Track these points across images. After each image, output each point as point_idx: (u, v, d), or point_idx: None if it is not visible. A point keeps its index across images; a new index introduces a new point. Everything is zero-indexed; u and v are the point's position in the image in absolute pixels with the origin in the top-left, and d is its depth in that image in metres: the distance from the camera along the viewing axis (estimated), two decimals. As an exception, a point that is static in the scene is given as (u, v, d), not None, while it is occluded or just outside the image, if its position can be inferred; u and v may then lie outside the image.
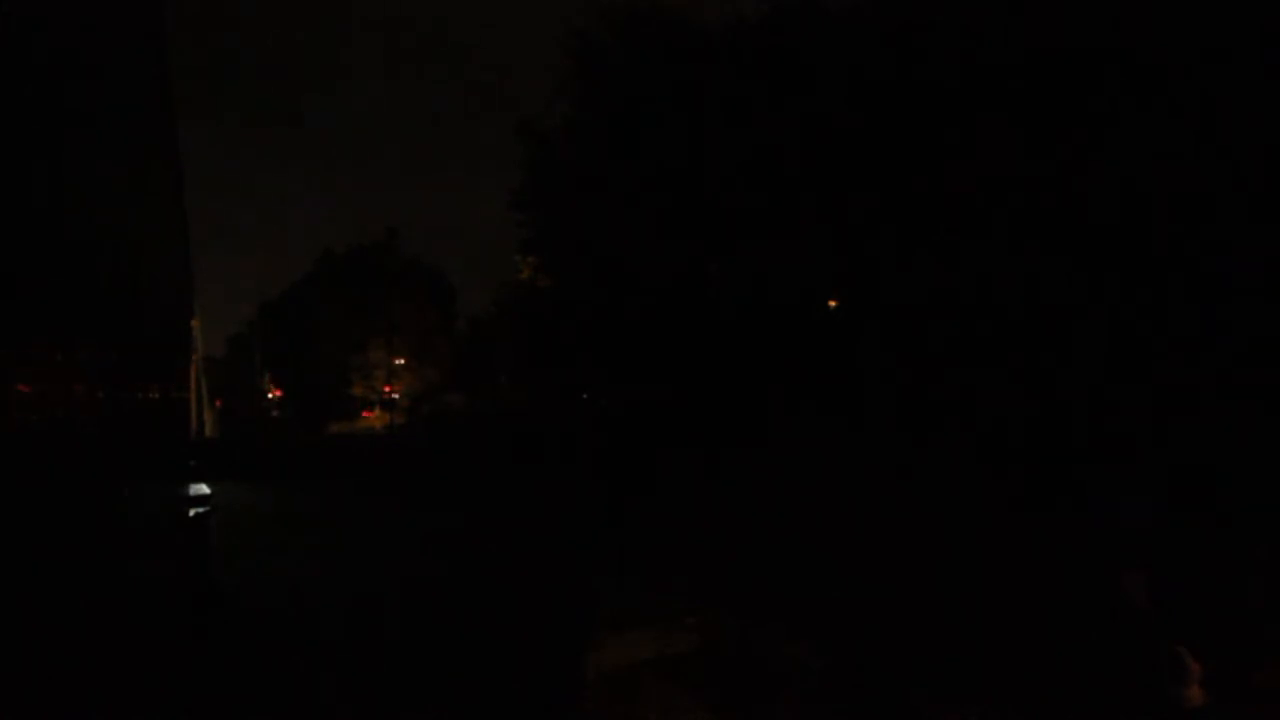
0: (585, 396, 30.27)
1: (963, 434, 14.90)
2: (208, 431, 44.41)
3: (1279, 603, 7.99)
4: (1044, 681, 7.52)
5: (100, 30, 7.12)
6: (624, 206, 22.60)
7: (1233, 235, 11.82)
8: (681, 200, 21.40)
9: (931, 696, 7.62)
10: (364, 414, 59.58)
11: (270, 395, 66.94)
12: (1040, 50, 14.26)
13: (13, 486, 4.16)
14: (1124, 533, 9.69)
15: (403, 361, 59.15)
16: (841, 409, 17.94)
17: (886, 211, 17.21)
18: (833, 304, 20.72)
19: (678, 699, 7.97)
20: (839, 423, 17.81)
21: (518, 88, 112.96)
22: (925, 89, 16.24)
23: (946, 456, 14.87)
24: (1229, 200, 11.78)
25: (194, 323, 29.36)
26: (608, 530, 16.59)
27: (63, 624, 5.10)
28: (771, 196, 19.65)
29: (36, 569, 4.60)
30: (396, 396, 57.83)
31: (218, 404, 51.65)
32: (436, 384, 57.10)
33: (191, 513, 13.73)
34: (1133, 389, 12.37)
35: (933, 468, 14.85)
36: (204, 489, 15.76)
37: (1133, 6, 13.09)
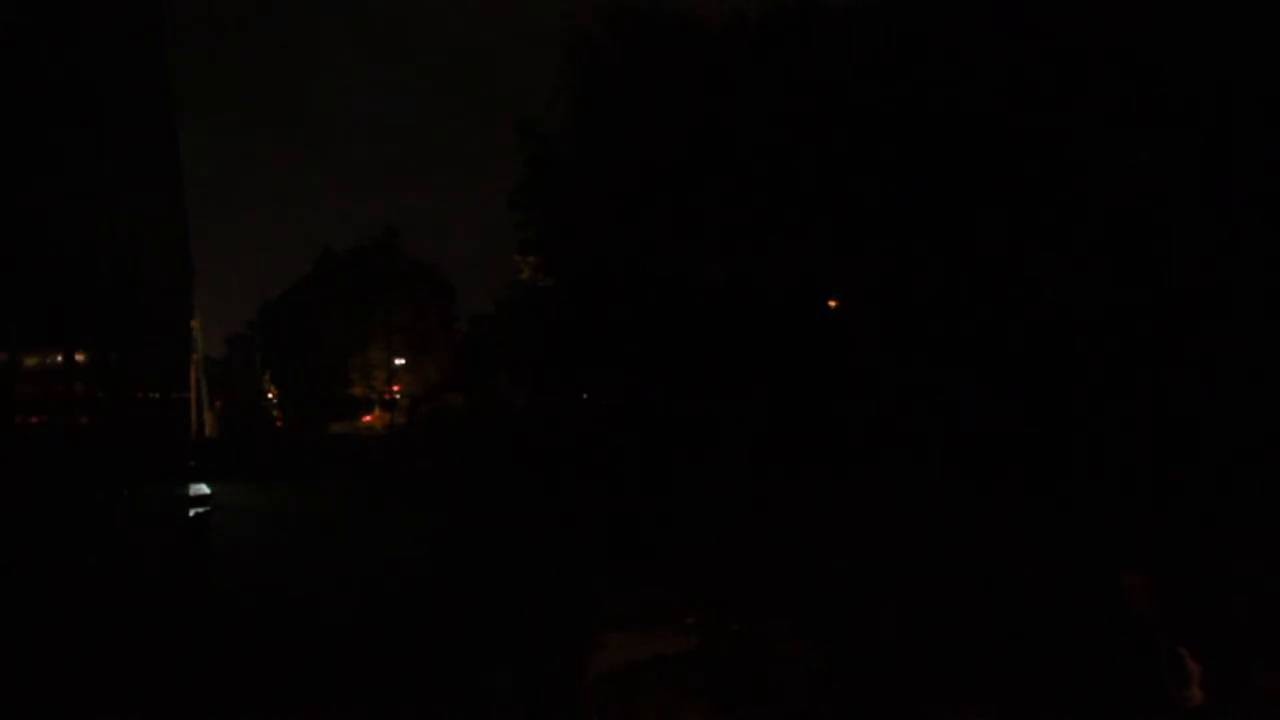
0: (585, 396, 30.27)
1: (959, 437, 14.90)
2: (208, 431, 44.41)
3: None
4: (1043, 682, 7.51)
5: (100, 30, 7.12)
6: (624, 206, 22.60)
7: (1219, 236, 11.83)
8: (682, 200, 21.39)
9: (931, 696, 7.62)
10: (364, 417, 59.54)
11: (270, 395, 66.92)
12: (1034, 52, 14.26)
13: (12, 487, 4.15)
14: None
15: (403, 361, 59.14)
16: (841, 408, 17.93)
17: (887, 211, 17.21)
18: (832, 304, 20.72)
19: (677, 699, 7.97)
20: (838, 422, 17.80)
21: (518, 87, 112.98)
22: (923, 89, 16.24)
23: (946, 459, 14.86)
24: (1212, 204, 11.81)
25: (194, 323, 29.40)
26: (608, 531, 16.58)
27: (62, 624, 5.10)
28: (772, 195, 19.64)
29: (36, 570, 4.60)
30: (397, 396, 57.82)
31: (218, 404, 51.64)
32: (436, 384, 57.08)
33: (191, 513, 13.75)
34: (1138, 397, 12.38)
35: (932, 469, 14.84)
36: (204, 489, 15.79)
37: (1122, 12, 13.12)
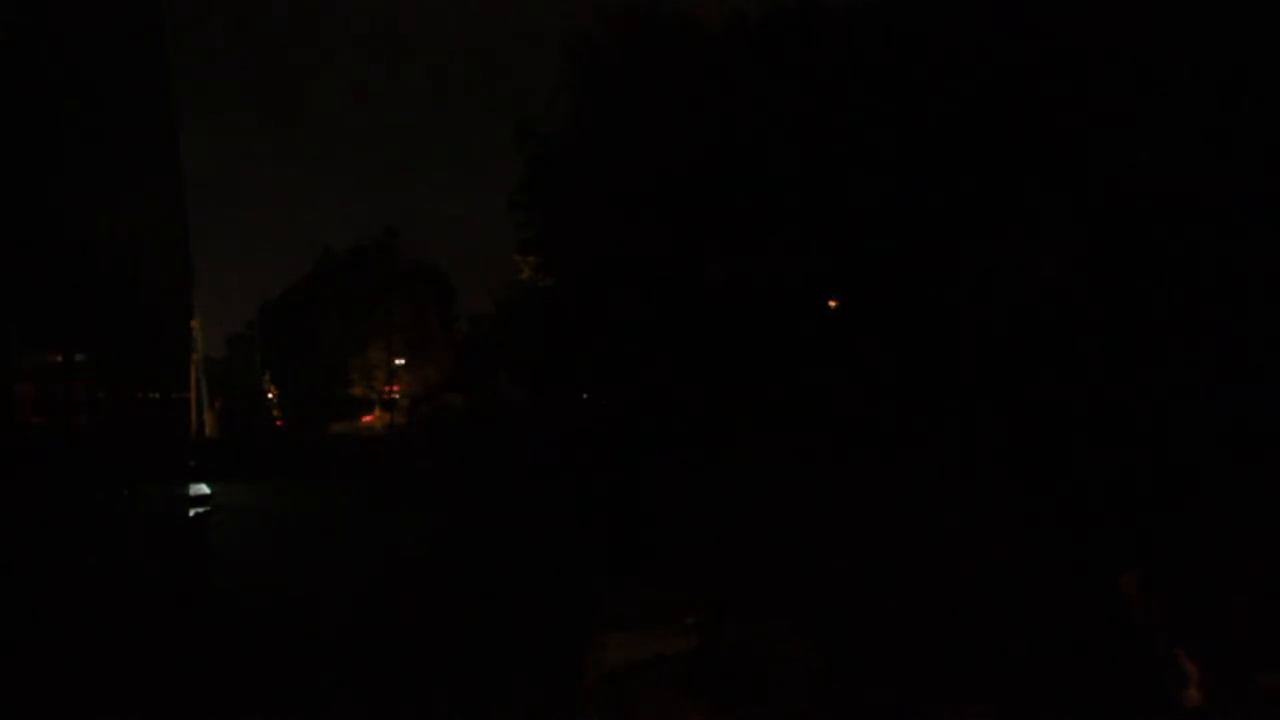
0: (585, 396, 30.27)
1: (959, 437, 14.89)
2: (208, 431, 44.43)
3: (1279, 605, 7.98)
4: (1043, 682, 7.52)
5: (101, 32, 7.13)
6: (623, 206, 22.60)
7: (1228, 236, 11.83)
8: (682, 200, 21.40)
9: (931, 696, 7.62)
10: (364, 418, 59.52)
11: (270, 395, 66.93)
12: (1033, 53, 14.26)
13: (13, 486, 4.16)
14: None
15: (403, 361, 59.14)
16: (840, 409, 17.93)
17: (887, 211, 17.22)
18: (833, 304, 20.73)
19: (676, 699, 7.97)
20: (839, 422, 17.80)
21: (518, 87, 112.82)
22: (923, 89, 16.24)
23: (945, 459, 14.86)
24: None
25: (194, 323, 29.39)
26: (608, 531, 16.58)
27: (63, 623, 5.10)
28: (772, 195, 19.65)
29: (37, 568, 4.60)
30: (397, 396, 57.83)
31: (218, 404, 51.64)
32: (436, 384, 57.03)
33: (191, 513, 13.76)
34: (1134, 396, 12.37)
35: (931, 469, 14.84)
36: (204, 489, 15.79)
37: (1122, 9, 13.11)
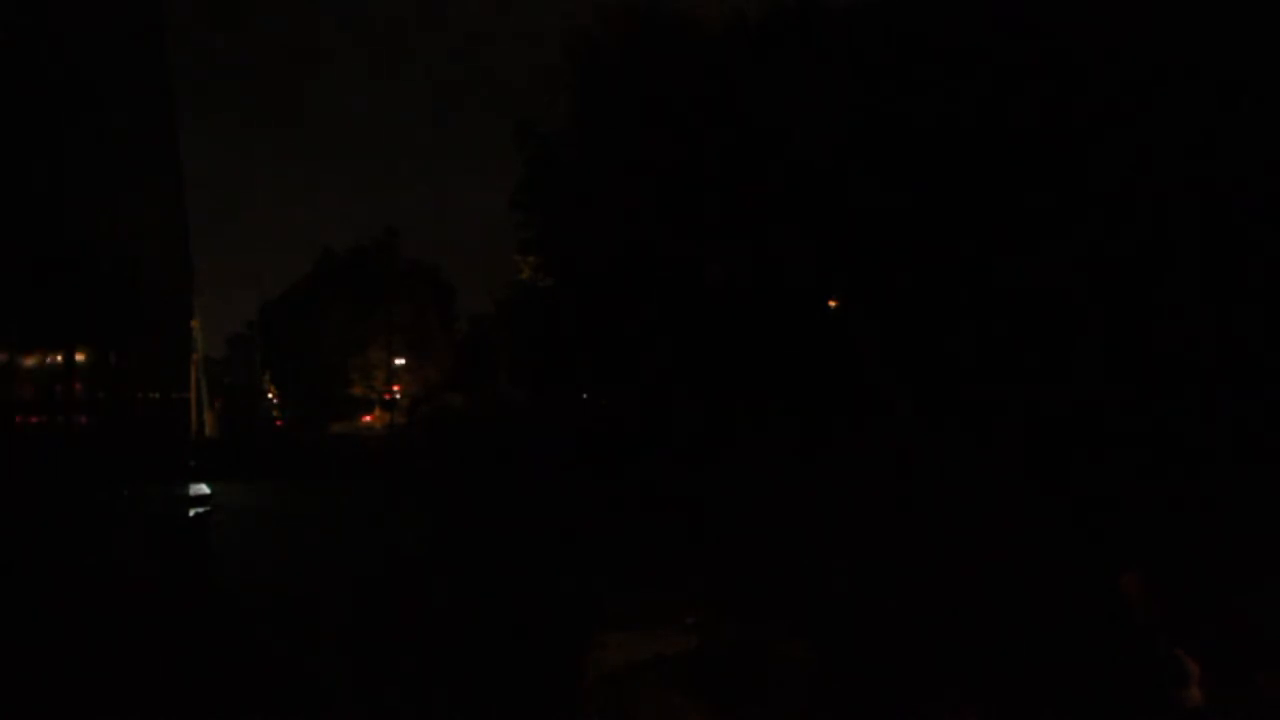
0: (585, 396, 30.29)
1: (960, 437, 14.89)
2: (208, 431, 44.39)
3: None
4: (1043, 682, 7.51)
5: (101, 32, 7.13)
6: (623, 206, 22.60)
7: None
8: (682, 200, 21.40)
9: (929, 696, 7.62)
10: (364, 417, 59.51)
11: (270, 395, 66.94)
12: (1033, 53, 14.26)
13: (12, 487, 4.15)
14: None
15: (403, 361, 59.14)
16: (840, 409, 17.94)
17: (886, 211, 17.21)
18: (833, 304, 20.73)
19: (676, 699, 7.97)
20: (838, 422, 17.80)
21: (518, 87, 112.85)
22: (923, 89, 16.24)
23: (945, 460, 14.86)
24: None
25: (194, 323, 29.38)
26: (607, 531, 16.57)
27: (63, 624, 5.10)
28: (771, 195, 19.65)
29: (36, 570, 4.60)
30: (397, 396, 57.85)
31: (218, 404, 51.60)
32: (436, 384, 57.04)
33: (191, 513, 13.76)
34: (1134, 396, 12.36)
35: (931, 469, 14.83)
36: (204, 489, 15.79)
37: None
